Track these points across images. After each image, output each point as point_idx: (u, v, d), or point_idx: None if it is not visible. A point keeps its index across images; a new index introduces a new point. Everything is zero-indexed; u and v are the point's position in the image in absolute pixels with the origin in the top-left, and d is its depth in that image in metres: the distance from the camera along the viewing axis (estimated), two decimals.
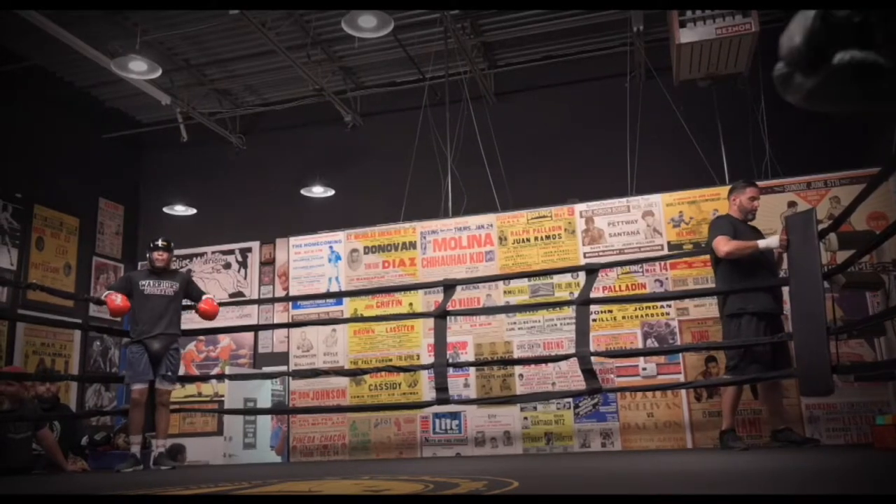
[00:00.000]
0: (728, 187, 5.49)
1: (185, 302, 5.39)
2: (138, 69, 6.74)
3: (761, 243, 4.33)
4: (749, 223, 4.59)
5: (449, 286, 5.07)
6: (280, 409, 6.58)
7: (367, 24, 6.19)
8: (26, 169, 7.43)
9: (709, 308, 5.10)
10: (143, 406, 4.99)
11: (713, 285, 4.82)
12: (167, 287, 5.23)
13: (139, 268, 8.75)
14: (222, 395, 7.56)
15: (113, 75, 7.09)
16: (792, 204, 5.20)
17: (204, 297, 5.37)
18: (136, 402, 4.98)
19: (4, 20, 6.38)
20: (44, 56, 7.19)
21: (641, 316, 5.30)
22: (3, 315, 7.03)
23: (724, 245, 4.39)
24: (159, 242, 5.33)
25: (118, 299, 5.04)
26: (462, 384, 5.51)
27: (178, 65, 7.54)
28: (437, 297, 5.46)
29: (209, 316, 5.34)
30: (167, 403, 5.10)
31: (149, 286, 5.19)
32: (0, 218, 7.26)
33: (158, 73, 6.85)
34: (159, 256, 5.27)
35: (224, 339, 8.18)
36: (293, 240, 6.36)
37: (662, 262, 5.28)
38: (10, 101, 7.24)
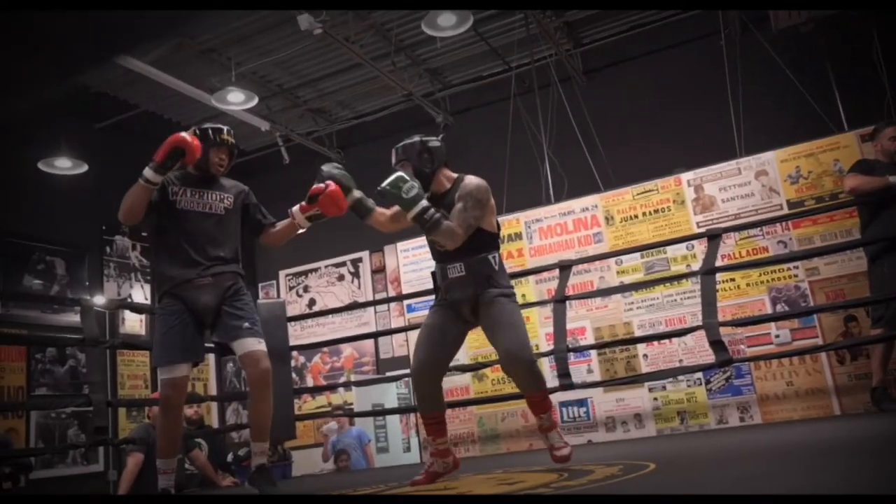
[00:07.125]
0: (847, 134, 5.13)
1: None
2: (236, 100, 7.05)
3: (892, 178, 4.01)
4: None
5: (564, 267, 4.98)
6: (404, 409, 6.88)
7: (447, 23, 6.19)
8: None
9: (841, 265, 4.78)
10: (179, 408, 2.96)
11: (843, 240, 4.51)
12: (215, 200, 3.11)
13: (266, 291, 9.14)
14: (351, 404, 7.79)
15: (214, 109, 7.44)
16: None
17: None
18: (167, 401, 2.89)
19: (111, 73, 6.82)
20: (151, 101, 7.63)
21: (767, 281, 5.03)
22: (145, 346, 7.50)
23: (849, 181, 4.16)
24: (224, 134, 3.13)
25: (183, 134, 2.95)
26: (585, 370, 5.41)
27: (273, 91, 7.82)
28: (550, 285, 5.39)
29: (334, 199, 3.30)
30: (265, 378, 2.90)
31: (185, 198, 3.07)
32: (131, 257, 7.79)
33: (255, 101, 7.15)
34: (220, 159, 3.13)
35: (346, 349, 8.42)
36: (401, 245, 6.46)
37: (784, 223, 4.99)
38: (126, 147, 7.72)
